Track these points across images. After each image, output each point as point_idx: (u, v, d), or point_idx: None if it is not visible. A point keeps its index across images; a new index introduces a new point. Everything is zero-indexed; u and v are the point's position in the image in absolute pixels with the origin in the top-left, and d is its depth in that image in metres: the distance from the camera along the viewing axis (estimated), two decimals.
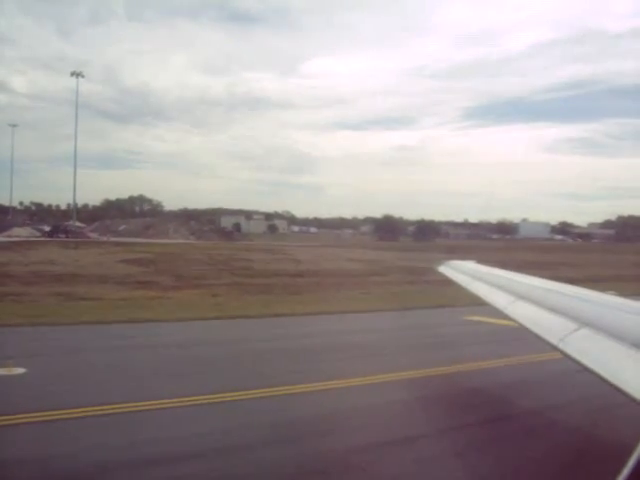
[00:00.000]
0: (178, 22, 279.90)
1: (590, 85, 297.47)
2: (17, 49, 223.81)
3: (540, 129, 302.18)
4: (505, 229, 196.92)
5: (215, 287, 31.61)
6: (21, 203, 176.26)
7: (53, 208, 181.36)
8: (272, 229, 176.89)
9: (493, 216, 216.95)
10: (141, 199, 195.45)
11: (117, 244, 77.12)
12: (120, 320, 20.32)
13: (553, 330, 6.62)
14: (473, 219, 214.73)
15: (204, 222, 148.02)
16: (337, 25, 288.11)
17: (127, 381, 12.75)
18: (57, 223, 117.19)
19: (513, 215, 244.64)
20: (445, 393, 12.69)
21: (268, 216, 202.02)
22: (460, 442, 9.56)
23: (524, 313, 7.99)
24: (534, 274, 11.86)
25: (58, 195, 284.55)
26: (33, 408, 10.36)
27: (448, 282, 13.94)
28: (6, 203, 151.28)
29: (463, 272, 12.89)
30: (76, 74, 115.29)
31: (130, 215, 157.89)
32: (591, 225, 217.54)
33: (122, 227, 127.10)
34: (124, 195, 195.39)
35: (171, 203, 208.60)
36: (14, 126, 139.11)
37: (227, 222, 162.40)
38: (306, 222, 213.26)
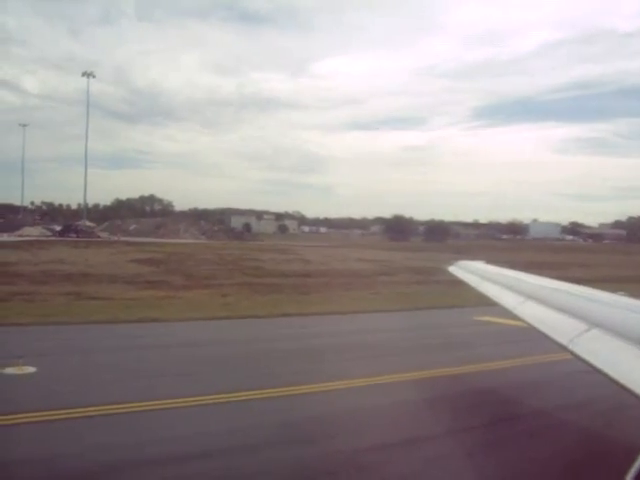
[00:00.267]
0: (188, 22, 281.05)
1: (599, 85, 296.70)
2: (28, 49, 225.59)
3: (549, 129, 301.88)
4: (515, 229, 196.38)
5: (225, 287, 31.64)
6: (32, 203, 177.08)
7: (64, 208, 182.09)
8: (282, 229, 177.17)
9: (503, 216, 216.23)
10: (151, 199, 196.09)
11: (128, 244, 77.33)
12: (130, 320, 20.37)
13: (563, 331, 6.58)
14: (483, 219, 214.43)
15: (214, 222, 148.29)
16: (347, 25, 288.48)
17: (137, 381, 12.76)
18: (68, 223, 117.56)
19: (523, 215, 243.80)
20: (460, 393, 12.64)
21: (278, 216, 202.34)
22: (481, 439, 9.59)
23: (534, 313, 7.96)
24: (544, 274, 11.82)
25: (69, 195, 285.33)
26: (44, 407, 10.39)
27: (458, 282, 13.90)
28: (17, 203, 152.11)
29: (473, 272, 12.85)
30: (87, 74, 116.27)
31: (140, 215, 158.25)
32: (602, 225, 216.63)
33: (132, 227, 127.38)
34: (134, 195, 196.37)
35: (181, 203, 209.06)
36: (25, 126, 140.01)
37: (237, 222, 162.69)
38: (316, 222, 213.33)
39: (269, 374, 13.43)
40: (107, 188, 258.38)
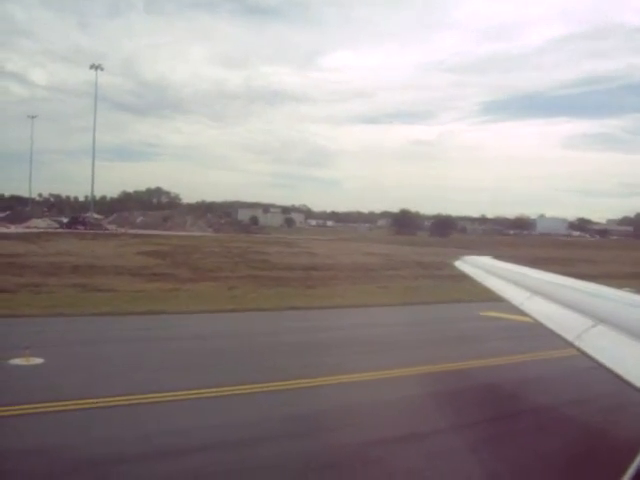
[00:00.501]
0: (196, 15, 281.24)
1: (608, 80, 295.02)
2: (36, 42, 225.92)
3: (557, 124, 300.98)
4: (522, 225, 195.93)
5: (232, 280, 31.67)
6: (40, 195, 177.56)
7: (71, 200, 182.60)
8: (289, 222, 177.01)
9: (510, 211, 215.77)
10: (159, 191, 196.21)
11: (135, 236, 77.49)
12: (137, 312, 20.43)
13: (569, 326, 6.57)
14: (490, 214, 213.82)
15: (221, 215, 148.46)
16: (355, 19, 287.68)
17: (143, 373, 12.79)
18: (75, 215, 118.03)
19: (530, 211, 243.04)
20: (467, 387, 12.66)
21: (285, 209, 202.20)
22: (489, 433, 9.66)
23: (540, 309, 7.95)
24: (551, 270, 11.82)
25: (76, 187, 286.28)
26: (51, 398, 10.45)
27: (464, 277, 13.90)
28: (25, 195, 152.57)
29: (479, 267, 12.84)
30: (95, 66, 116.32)
31: (148, 207, 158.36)
32: (609, 221, 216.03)
33: (140, 219, 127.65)
34: (142, 187, 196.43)
35: (188, 195, 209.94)
36: (33, 118, 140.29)
37: (244, 215, 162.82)
38: (323, 216, 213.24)
39: (278, 367, 13.43)
40: (114, 180, 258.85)
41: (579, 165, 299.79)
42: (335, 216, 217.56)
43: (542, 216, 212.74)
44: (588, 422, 10.51)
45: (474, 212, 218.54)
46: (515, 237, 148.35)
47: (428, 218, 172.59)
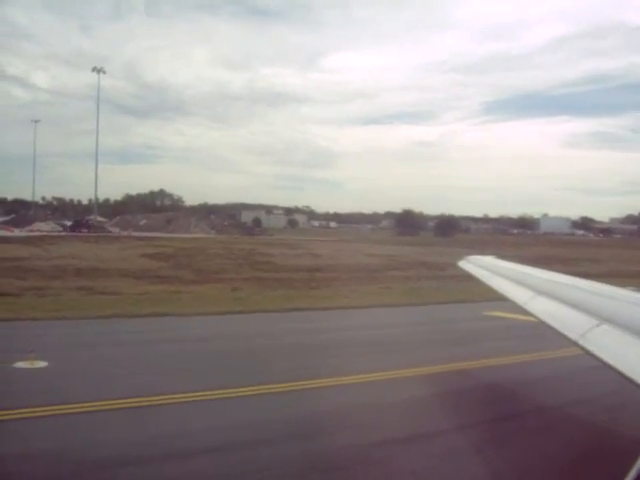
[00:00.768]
0: (198, 17, 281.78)
1: (609, 79, 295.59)
2: (39, 45, 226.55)
3: (559, 123, 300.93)
4: (526, 224, 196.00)
5: (235, 281, 31.69)
6: (43, 198, 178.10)
7: (75, 203, 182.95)
8: (292, 224, 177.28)
9: (513, 211, 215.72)
10: (162, 194, 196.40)
11: (138, 239, 77.59)
12: (141, 314, 20.41)
13: (573, 326, 6.57)
14: (493, 214, 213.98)
15: (224, 217, 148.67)
16: (357, 20, 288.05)
17: (148, 375, 12.79)
18: (78, 218, 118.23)
19: (533, 210, 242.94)
20: (473, 387, 12.67)
21: (288, 211, 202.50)
22: (496, 433, 9.66)
23: (544, 309, 7.94)
24: (555, 269, 11.81)
25: (79, 190, 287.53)
26: (55, 401, 10.45)
27: (468, 277, 13.88)
28: (28, 198, 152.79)
29: (483, 267, 12.82)
30: (97, 70, 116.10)
31: (151, 210, 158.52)
32: (613, 220, 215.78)
33: (143, 222, 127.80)
34: (145, 190, 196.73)
35: (191, 198, 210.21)
36: (36, 122, 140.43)
37: (247, 217, 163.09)
38: (326, 217, 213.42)
39: (283, 369, 13.41)
40: (117, 183, 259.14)
41: (581, 164, 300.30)
42: (338, 217, 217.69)
43: (545, 215, 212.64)
44: (593, 421, 10.49)
45: (477, 212, 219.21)
46: (518, 236, 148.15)
47: (431, 218, 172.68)
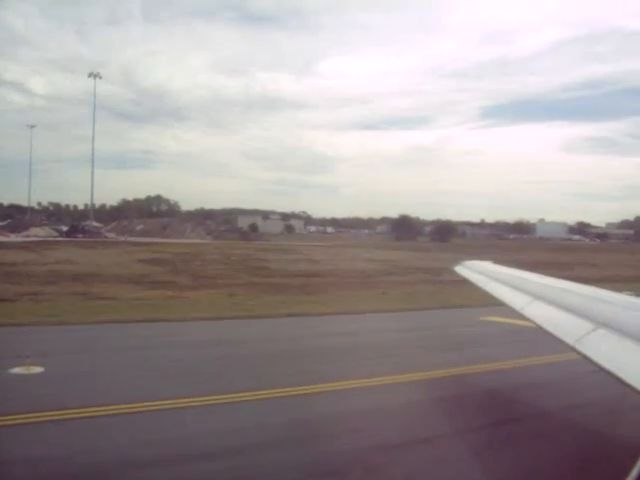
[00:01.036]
0: (194, 23, 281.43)
1: (607, 84, 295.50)
2: (35, 50, 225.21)
3: (557, 128, 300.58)
4: (522, 229, 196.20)
5: (232, 287, 31.66)
6: (39, 203, 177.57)
7: (71, 208, 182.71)
8: (289, 229, 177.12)
9: (510, 216, 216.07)
10: (158, 199, 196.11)
11: (134, 244, 77.51)
12: (137, 320, 20.39)
13: (569, 330, 6.58)
14: (490, 219, 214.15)
15: (221, 222, 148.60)
16: (352, 25, 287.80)
17: (144, 380, 12.79)
18: (75, 223, 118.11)
19: (530, 215, 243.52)
20: (470, 392, 12.69)
21: (284, 216, 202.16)
22: (494, 438, 9.66)
23: (541, 313, 7.95)
24: (551, 274, 11.80)
25: (76, 195, 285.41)
26: (52, 407, 10.43)
27: (465, 282, 13.89)
28: (24, 203, 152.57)
29: (479, 272, 12.83)
30: (93, 75, 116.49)
31: (147, 215, 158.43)
32: (609, 225, 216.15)
33: (139, 227, 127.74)
34: (141, 195, 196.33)
35: (188, 203, 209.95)
36: (32, 127, 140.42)
37: (243, 222, 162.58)
38: (322, 222, 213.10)
39: (271, 375, 13.42)
40: (114, 188, 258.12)
41: (578, 169, 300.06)
42: (335, 222, 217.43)
43: (542, 220, 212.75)
44: (590, 425, 10.49)
45: (474, 217, 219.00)
46: (515, 241, 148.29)
47: (428, 223, 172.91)
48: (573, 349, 6.19)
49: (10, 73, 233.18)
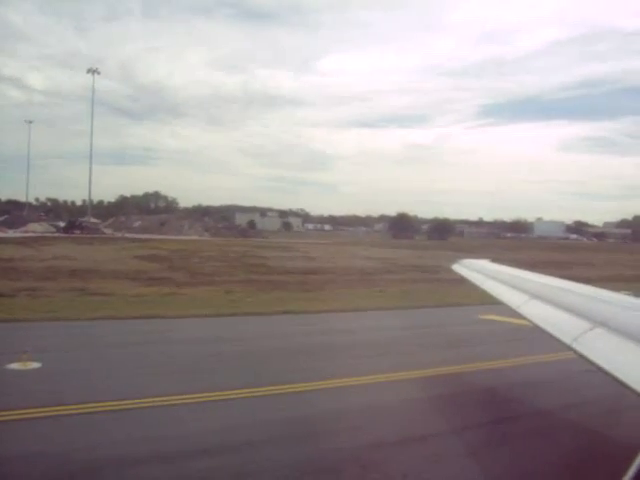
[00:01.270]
0: (193, 19, 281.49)
1: (606, 83, 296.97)
2: (33, 46, 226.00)
3: (555, 127, 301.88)
4: (520, 228, 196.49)
5: (229, 284, 31.65)
6: (37, 199, 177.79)
7: (68, 204, 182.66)
8: (286, 226, 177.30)
9: (507, 215, 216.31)
10: (156, 196, 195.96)
11: (132, 240, 77.39)
12: (134, 316, 20.38)
13: (567, 330, 6.58)
14: (487, 218, 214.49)
15: (218, 219, 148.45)
16: (352, 23, 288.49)
17: (141, 377, 12.77)
18: (72, 219, 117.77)
19: (528, 214, 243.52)
20: (468, 391, 12.67)
21: (282, 213, 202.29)
22: (491, 436, 9.66)
23: (538, 312, 7.95)
24: (548, 273, 11.82)
25: (73, 191, 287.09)
26: (49, 402, 10.44)
27: (462, 280, 13.90)
28: (22, 199, 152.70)
29: (477, 270, 12.85)
30: (92, 71, 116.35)
31: (145, 211, 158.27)
32: (607, 224, 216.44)
33: (137, 223, 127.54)
34: (139, 191, 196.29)
35: (185, 200, 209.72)
36: (30, 122, 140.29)
37: (241, 219, 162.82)
38: (320, 220, 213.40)
39: (267, 372, 13.42)
40: (111, 185, 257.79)
41: (576, 168, 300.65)
42: (332, 220, 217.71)
43: (540, 219, 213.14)
44: (586, 424, 10.51)
45: (472, 215, 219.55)
46: (512, 240, 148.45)
47: (425, 222, 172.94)
48: (570, 348, 6.19)
49: (8, 68, 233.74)
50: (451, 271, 14.95)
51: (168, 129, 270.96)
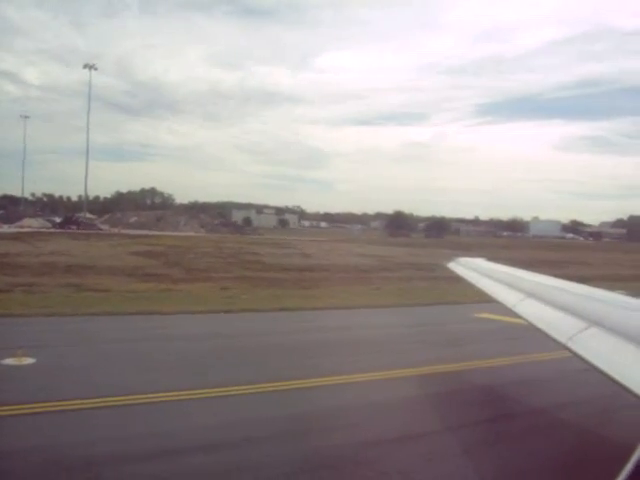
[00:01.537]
0: (191, 16, 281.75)
1: (603, 83, 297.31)
2: (30, 41, 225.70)
3: (552, 127, 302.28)
4: (516, 227, 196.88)
5: (225, 280, 31.63)
6: (33, 194, 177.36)
7: (64, 200, 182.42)
8: (282, 223, 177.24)
9: (504, 214, 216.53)
10: (152, 192, 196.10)
11: (128, 236, 77.42)
12: (130, 312, 20.37)
13: (562, 329, 6.59)
14: (484, 216, 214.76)
15: (214, 215, 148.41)
16: (350, 20, 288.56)
17: (136, 373, 12.76)
18: (68, 215, 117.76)
19: (524, 213, 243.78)
20: (462, 389, 12.68)
21: (278, 210, 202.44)
22: (486, 435, 9.66)
23: (533, 311, 7.96)
24: (544, 272, 11.84)
25: (69, 187, 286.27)
26: (43, 398, 10.44)
27: (458, 279, 13.91)
28: (18, 194, 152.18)
29: (472, 269, 12.85)
30: (89, 66, 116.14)
31: (141, 208, 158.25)
32: (603, 224, 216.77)
33: (133, 219, 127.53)
34: (135, 188, 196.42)
35: (182, 196, 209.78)
36: (26, 117, 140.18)
37: (237, 216, 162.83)
38: (316, 217, 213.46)
39: (264, 368, 13.42)
40: (108, 180, 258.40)
41: (573, 167, 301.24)
42: (329, 217, 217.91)
43: (536, 218, 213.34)
44: (580, 423, 10.53)
45: (468, 214, 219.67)
46: (508, 239, 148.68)
47: (422, 220, 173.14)
48: (565, 347, 6.21)
49: (5, 63, 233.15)
50: (447, 269, 14.96)
51: (165, 125, 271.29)
